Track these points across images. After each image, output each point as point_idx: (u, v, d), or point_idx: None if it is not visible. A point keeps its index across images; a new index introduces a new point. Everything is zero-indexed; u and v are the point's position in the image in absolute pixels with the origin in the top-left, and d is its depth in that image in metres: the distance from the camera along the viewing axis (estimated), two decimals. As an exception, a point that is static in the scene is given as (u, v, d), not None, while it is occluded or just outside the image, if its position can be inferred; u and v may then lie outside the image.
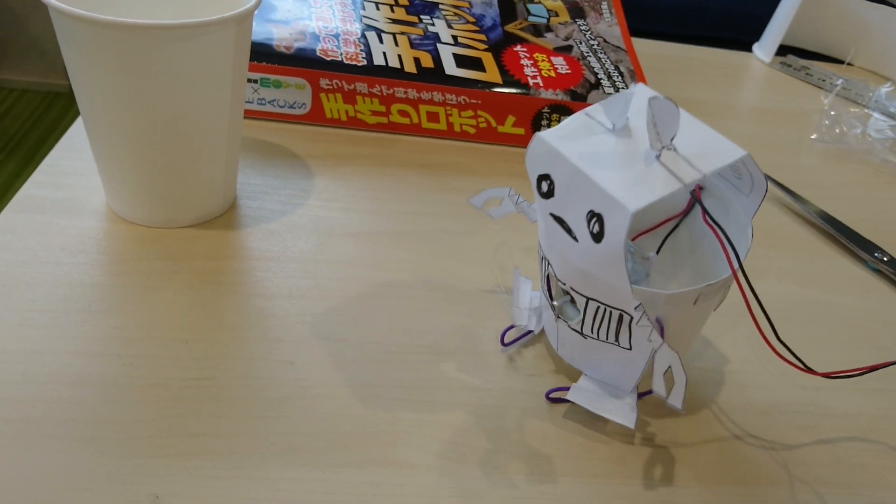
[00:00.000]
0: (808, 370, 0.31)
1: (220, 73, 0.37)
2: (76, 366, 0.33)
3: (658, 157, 0.29)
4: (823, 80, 0.74)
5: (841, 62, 0.79)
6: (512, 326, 0.38)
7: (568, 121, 0.31)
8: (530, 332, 0.38)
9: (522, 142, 0.54)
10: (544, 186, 0.31)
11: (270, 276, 0.39)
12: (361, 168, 0.49)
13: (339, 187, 0.47)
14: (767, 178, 0.34)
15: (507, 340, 0.37)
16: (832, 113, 0.64)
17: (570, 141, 0.30)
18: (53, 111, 1.87)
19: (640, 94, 0.31)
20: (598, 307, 0.31)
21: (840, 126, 0.63)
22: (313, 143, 0.51)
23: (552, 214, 0.31)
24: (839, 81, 0.70)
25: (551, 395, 0.35)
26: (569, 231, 0.30)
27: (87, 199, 0.42)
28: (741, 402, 0.37)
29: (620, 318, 0.31)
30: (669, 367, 0.30)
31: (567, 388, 0.34)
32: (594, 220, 0.29)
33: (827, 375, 0.31)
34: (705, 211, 0.31)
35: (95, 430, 0.30)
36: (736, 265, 0.30)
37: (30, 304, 0.35)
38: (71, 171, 0.44)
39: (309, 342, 0.36)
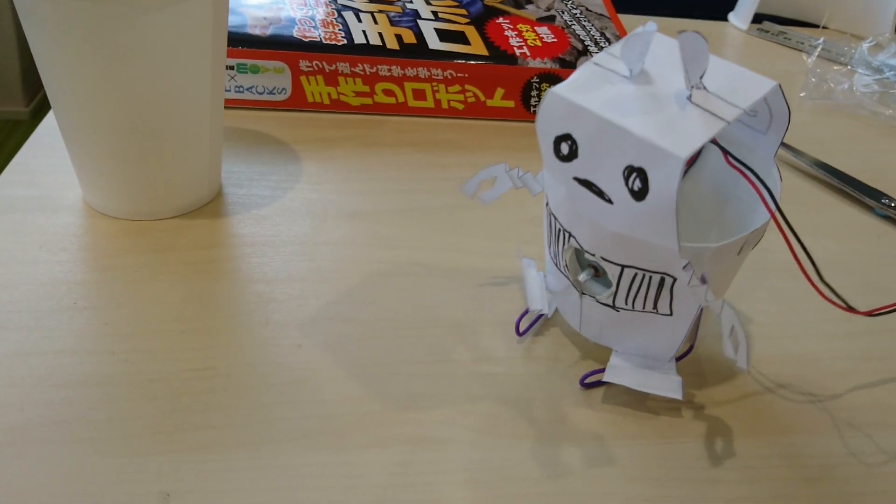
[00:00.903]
0: (851, 309, 0.29)
1: (199, 48, 0.35)
2: (67, 366, 0.30)
3: (689, 97, 0.26)
4: (802, 44, 0.73)
5: (816, 26, 0.78)
6: (525, 313, 0.35)
7: (577, 74, 0.28)
8: (542, 315, 0.35)
9: (512, 115, 0.52)
10: (564, 148, 0.28)
11: (267, 260, 0.37)
12: (349, 150, 0.47)
13: (328, 170, 0.45)
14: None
15: (521, 328, 0.34)
16: (818, 71, 0.64)
17: (588, 93, 0.27)
18: (13, 139, 1.82)
19: (651, 35, 0.29)
20: (636, 274, 0.29)
21: (827, 83, 0.63)
22: (297, 128, 0.49)
23: (577, 178, 0.28)
24: (819, 42, 0.70)
25: (586, 381, 0.32)
26: (599, 194, 0.27)
27: (63, 196, 0.40)
28: (774, 353, 0.35)
29: (661, 282, 0.28)
30: (732, 327, 0.28)
31: (601, 370, 0.31)
32: (634, 175, 0.26)
33: (869, 313, 0.30)
34: (727, 153, 0.29)
35: (93, 430, 0.28)
36: (773, 206, 0.28)
37: (9, 306, 0.33)
38: (43, 168, 0.42)
39: (315, 324, 0.34)
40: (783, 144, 0.52)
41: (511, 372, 0.32)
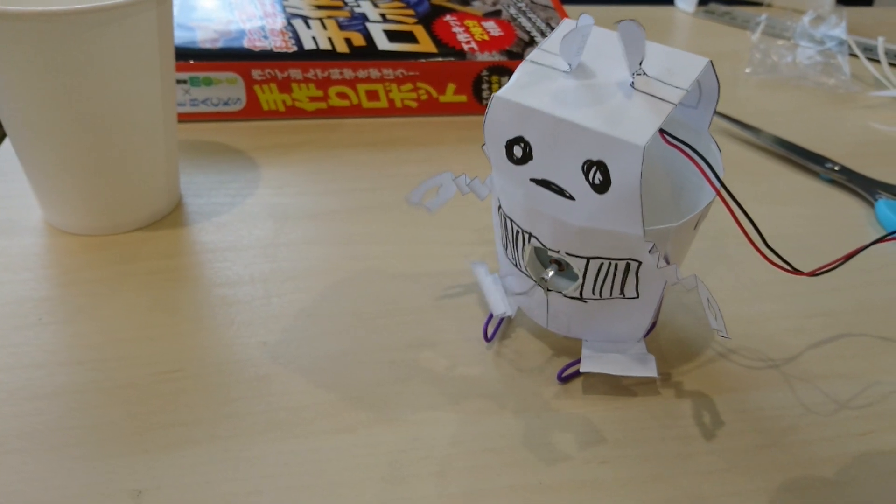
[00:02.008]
0: (795, 271, 0.30)
1: (146, 61, 0.36)
2: (35, 379, 0.31)
3: (633, 84, 0.27)
4: (747, 22, 0.75)
5: (760, 3, 0.81)
6: (490, 318, 0.34)
7: (516, 75, 0.28)
8: (505, 317, 0.35)
9: (466, 109, 0.53)
10: (518, 151, 0.27)
11: (229, 265, 0.38)
12: (308, 154, 0.48)
13: (287, 174, 0.46)
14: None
15: (489, 333, 0.34)
16: (762, 46, 0.66)
17: (533, 93, 0.27)
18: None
19: (589, 29, 0.29)
20: (601, 264, 0.29)
21: (770, 57, 0.64)
22: (254, 136, 0.49)
23: (534, 179, 0.28)
24: (762, 18, 0.72)
25: (564, 375, 0.32)
26: (560, 192, 0.27)
27: (24, 219, 0.40)
28: (728, 316, 0.36)
29: (627, 267, 0.29)
30: (707, 299, 0.29)
31: (576, 363, 0.32)
32: (594, 170, 0.26)
33: (812, 273, 0.30)
34: (663, 132, 0.29)
35: (64, 437, 0.28)
36: (713, 177, 0.28)
37: (-25, 326, 0.33)
38: (2, 193, 0.42)
39: (279, 321, 0.34)
40: (732, 120, 0.54)
41: (484, 373, 0.33)
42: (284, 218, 0.41)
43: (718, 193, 0.28)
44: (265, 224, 0.41)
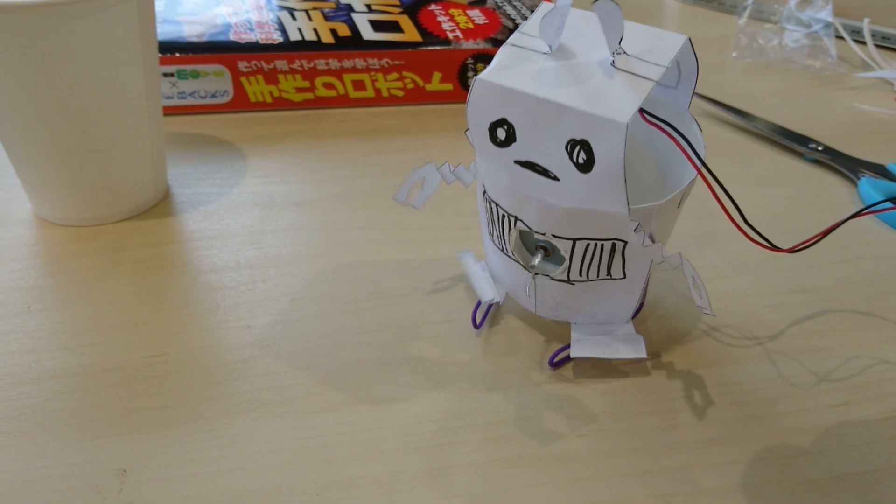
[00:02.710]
0: (775, 248, 0.30)
1: (128, 51, 0.36)
2: (22, 364, 0.31)
3: (613, 63, 0.27)
4: (735, 7, 0.75)
5: (749, -10, 0.81)
6: (478, 306, 0.34)
7: (497, 59, 0.28)
8: (493, 304, 0.35)
9: (452, 97, 0.54)
10: (501, 134, 0.28)
11: (215, 252, 0.38)
12: (294, 144, 0.48)
13: (273, 164, 0.46)
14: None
15: (477, 320, 0.34)
16: (748, 30, 0.66)
17: (515, 75, 0.27)
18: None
19: (567, 9, 0.29)
20: (588, 245, 0.29)
21: (757, 41, 0.65)
22: (241, 128, 0.50)
23: (518, 162, 0.28)
24: (749, 3, 0.72)
25: (555, 361, 0.32)
26: (544, 173, 0.27)
27: (11, 211, 0.41)
28: (712, 293, 0.37)
29: (613, 247, 0.29)
30: (693, 277, 0.29)
31: (567, 347, 0.32)
32: (577, 149, 0.26)
33: (791, 250, 0.30)
34: (642, 111, 0.29)
35: (51, 420, 0.29)
36: (693, 155, 0.28)
37: (-36, 315, 0.34)
38: (-9, 186, 0.43)
39: (264, 305, 0.35)
40: (717, 103, 0.54)
41: (471, 358, 0.34)
42: (270, 206, 0.42)
43: (699, 171, 0.28)
44: (251, 212, 0.41)
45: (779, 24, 0.69)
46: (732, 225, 0.29)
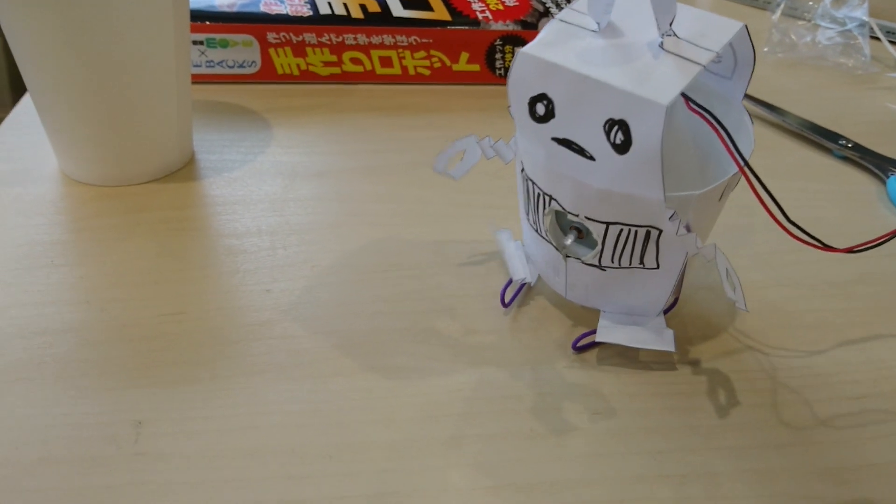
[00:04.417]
0: (828, 248, 0.28)
1: (161, 12, 0.36)
2: (44, 316, 0.32)
3: (661, 45, 0.26)
4: (768, 2, 0.74)
5: (783, -14, 0.80)
6: (508, 284, 0.34)
7: (544, 32, 0.28)
8: (525, 284, 0.34)
9: (478, 79, 0.54)
10: (540, 109, 0.27)
11: (237, 217, 0.38)
12: (319, 117, 0.48)
13: (298, 135, 0.46)
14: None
15: (506, 298, 0.34)
16: (781, 26, 0.65)
17: (559, 50, 0.27)
18: None
19: None
20: (621, 230, 0.28)
21: (790, 37, 0.64)
22: (268, 99, 0.50)
23: (555, 139, 0.27)
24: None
25: (578, 344, 0.32)
26: (580, 151, 0.27)
27: (40, 168, 0.41)
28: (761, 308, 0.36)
29: (647, 235, 0.28)
30: (727, 270, 0.28)
31: (592, 332, 0.32)
32: (615, 129, 0.26)
33: (849, 250, 0.29)
34: (688, 98, 0.28)
35: (70, 370, 0.29)
36: (732, 146, 0.27)
37: (-11, 265, 0.34)
38: (19, 144, 0.43)
39: (283, 270, 0.35)
40: (748, 97, 0.53)
41: (494, 334, 0.34)
42: (293, 175, 0.42)
43: (739, 166, 0.27)
44: (274, 181, 0.42)
45: (812, 22, 0.68)
46: (771, 220, 0.28)
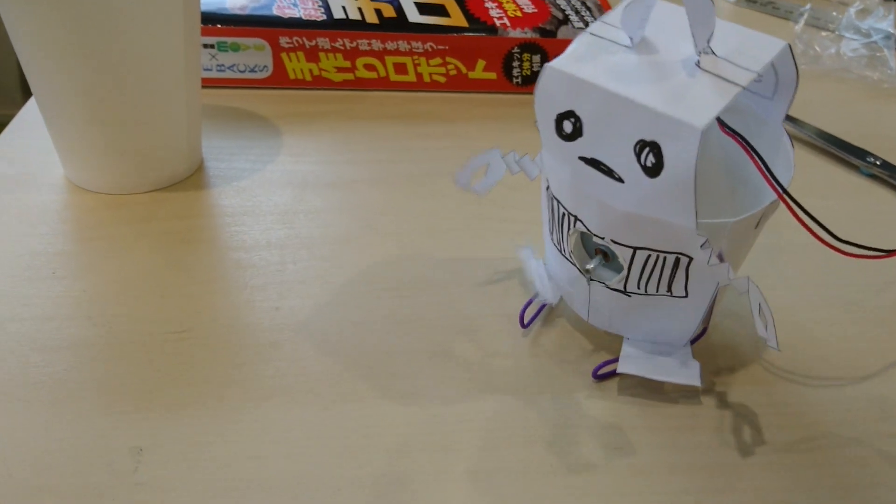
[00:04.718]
0: (890, 253, 0.26)
1: (171, 16, 0.35)
2: (44, 331, 0.30)
3: (698, 63, 0.25)
4: (790, 13, 0.73)
5: (805, -5, 0.78)
6: (528, 304, 0.33)
7: (574, 46, 0.26)
8: (545, 305, 0.33)
9: (495, 87, 0.52)
10: (567, 126, 0.26)
11: (246, 229, 0.37)
12: (331, 123, 0.47)
13: (309, 143, 0.45)
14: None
15: (526, 319, 0.33)
16: (805, 37, 0.63)
17: (589, 66, 0.25)
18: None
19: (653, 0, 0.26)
20: (649, 256, 0.27)
21: (813, 48, 0.62)
22: (279, 104, 0.49)
23: (582, 158, 0.26)
24: (806, 9, 0.69)
25: (599, 373, 0.30)
26: (608, 172, 0.26)
27: (45, 174, 0.40)
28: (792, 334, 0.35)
29: (676, 262, 0.27)
30: (760, 305, 0.27)
31: (614, 361, 0.30)
32: (646, 150, 0.24)
33: None
34: (721, 121, 0.27)
35: (69, 390, 0.28)
36: (768, 172, 0.26)
37: (-12, 276, 0.33)
38: (24, 149, 0.42)
39: (292, 287, 0.34)
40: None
41: (511, 358, 0.33)
42: (304, 185, 0.41)
43: (778, 194, 0.26)
44: (284, 191, 0.40)
45: (836, 33, 0.66)
46: (803, 239, 0.27)
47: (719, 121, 0.26)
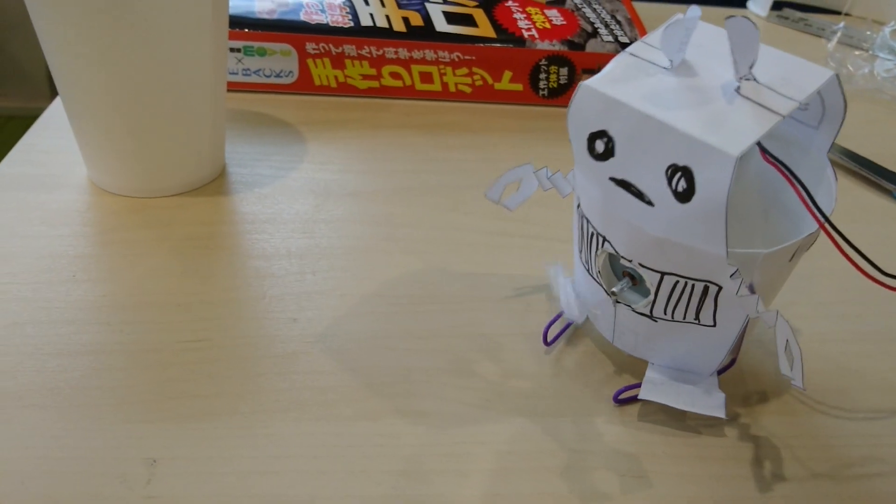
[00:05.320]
0: None
1: (199, 20, 0.35)
2: (62, 335, 0.30)
3: (738, 89, 0.24)
4: (823, 30, 0.72)
5: (838, 12, 0.77)
6: (553, 321, 0.32)
7: (611, 65, 0.26)
8: (571, 323, 0.33)
9: (521, 98, 0.52)
10: (600, 146, 0.26)
11: (266, 237, 0.37)
12: (355, 131, 0.47)
13: (332, 150, 0.45)
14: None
15: (549, 337, 0.32)
16: (837, 56, 0.62)
17: (625, 86, 0.25)
18: (40, 137, 1.84)
19: (695, 21, 0.26)
20: (676, 282, 0.26)
21: (846, 67, 0.61)
22: (303, 110, 0.48)
23: (613, 179, 0.26)
24: (839, 27, 0.68)
25: (620, 397, 0.30)
26: (639, 195, 0.25)
27: (68, 175, 0.40)
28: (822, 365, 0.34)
29: (705, 290, 0.26)
30: (787, 341, 0.26)
31: (636, 386, 0.29)
32: (678, 175, 0.24)
33: None
34: (763, 148, 0.26)
35: (84, 397, 0.28)
36: (811, 202, 0.25)
37: (8, 278, 0.33)
38: (49, 148, 0.42)
39: (311, 298, 0.33)
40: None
41: (531, 377, 0.32)
42: (326, 194, 0.41)
43: (821, 225, 0.25)
44: (306, 199, 0.40)
45: (870, 52, 0.65)
46: (838, 265, 0.26)
47: (761, 148, 0.25)
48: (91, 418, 0.27)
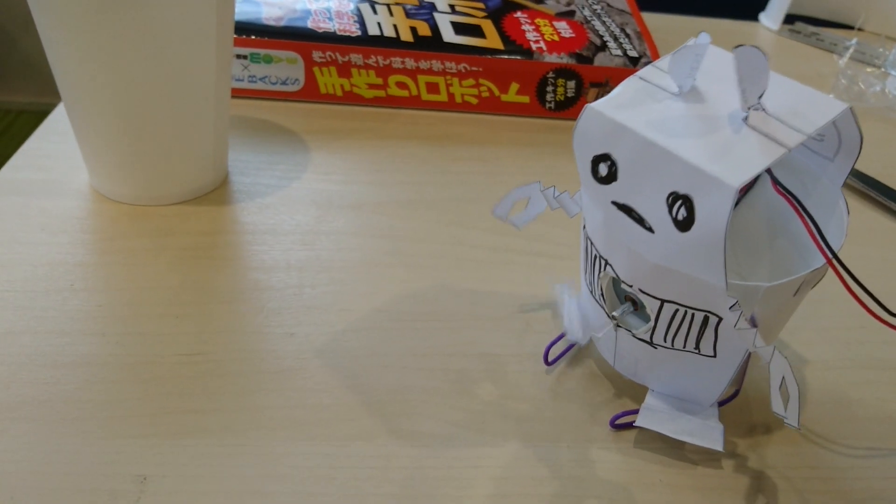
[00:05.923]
0: None
1: (204, 26, 0.35)
2: (57, 346, 0.30)
3: (745, 119, 0.24)
4: (835, 45, 0.71)
5: (850, 27, 0.76)
6: (555, 341, 0.32)
7: (619, 89, 0.26)
8: (574, 344, 0.32)
9: (527, 111, 0.51)
10: (603, 169, 0.25)
11: (266, 248, 0.37)
12: (359, 141, 0.47)
13: (336, 160, 0.44)
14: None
15: (550, 357, 0.32)
16: (849, 72, 0.62)
17: (631, 111, 0.25)
18: (50, 133, 1.85)
19: (704, 48, 0.25)
20: (676, 310, 0.26)
21: (858, 84, 0.61)
22: (308, 119, 0.48)
23: (615, 203, 0.26)
24: (852, 42, 0.68)
25: (617, 422, 0.29)
26: (639, 221, 0.25)
27: (69, 181, 0.40)
28: (825, 394, 0.33)
29: (705, 320, 0.26)
30: (783, 378, 0.25)
31: (634, 412, 0.29)
32: (678, 203, 0.23)
33: None
34: (775, 179, 0.26)
35: (77, 411, 0.28)
36: (819, 236, 0.24)
37: (5, 285, 0.33)
38: (51, 153, 0.42)
39: (309, 313, 0.33)
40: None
41: (530, 399, 0.32)
42: (328, 205, 0.40)
43: (828, 259, 0.24)
44: (308, 210, 0.40)
45: (882, 69, 0.64)
46: (842, 292, 0.25)
47: (772, 177, 0.25)
48: (82, 433, 0.27)
